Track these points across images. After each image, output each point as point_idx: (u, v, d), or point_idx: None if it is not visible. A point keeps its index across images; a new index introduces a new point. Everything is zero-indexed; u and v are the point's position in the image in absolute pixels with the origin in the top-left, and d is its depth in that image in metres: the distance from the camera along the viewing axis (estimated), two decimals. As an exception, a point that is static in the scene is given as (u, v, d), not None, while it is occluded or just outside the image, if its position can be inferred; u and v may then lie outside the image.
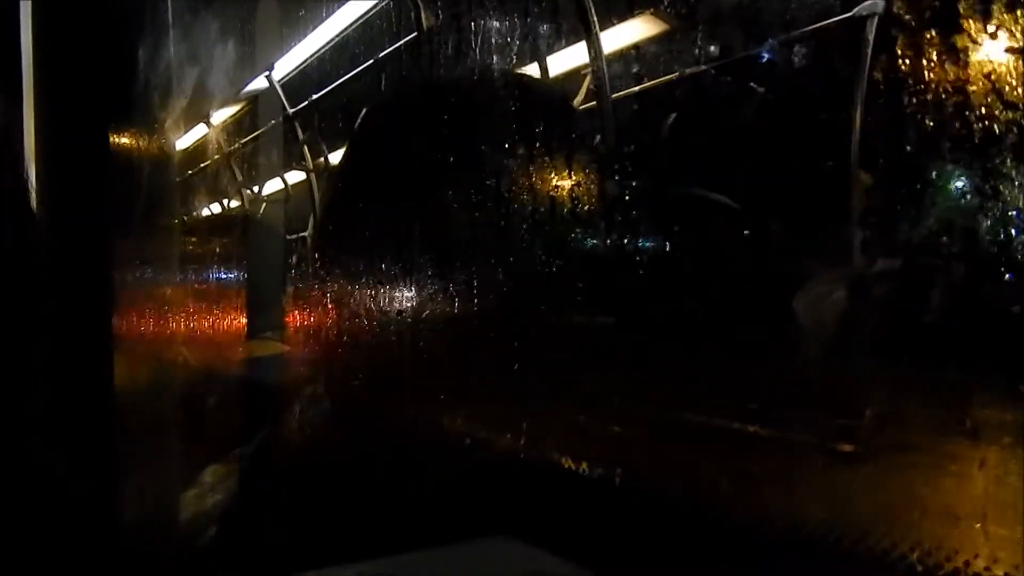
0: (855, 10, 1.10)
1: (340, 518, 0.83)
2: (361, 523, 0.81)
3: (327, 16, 1.87)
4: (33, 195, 0.80)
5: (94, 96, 0.81)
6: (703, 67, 1.11)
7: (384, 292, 0.94)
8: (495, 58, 1.05)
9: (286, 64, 2.16)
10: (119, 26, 0.88)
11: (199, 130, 2.18)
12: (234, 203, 2.61)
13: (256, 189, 2.62)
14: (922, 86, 0.69)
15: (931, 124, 0.70)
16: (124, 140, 0.94)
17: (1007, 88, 0.63)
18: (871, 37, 1.08)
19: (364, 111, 1.15)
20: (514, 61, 1.08)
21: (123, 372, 0.80)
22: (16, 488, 0.40)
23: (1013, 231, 0.64)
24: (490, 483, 0.82)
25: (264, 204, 2.60)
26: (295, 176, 2.47)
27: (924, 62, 0.69)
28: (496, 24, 1.05)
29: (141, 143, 1.01)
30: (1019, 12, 0.62)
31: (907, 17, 0.73)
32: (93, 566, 0.45)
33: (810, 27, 1.10)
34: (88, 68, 0.78)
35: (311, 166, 2.34)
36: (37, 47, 0.76)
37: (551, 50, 1.30)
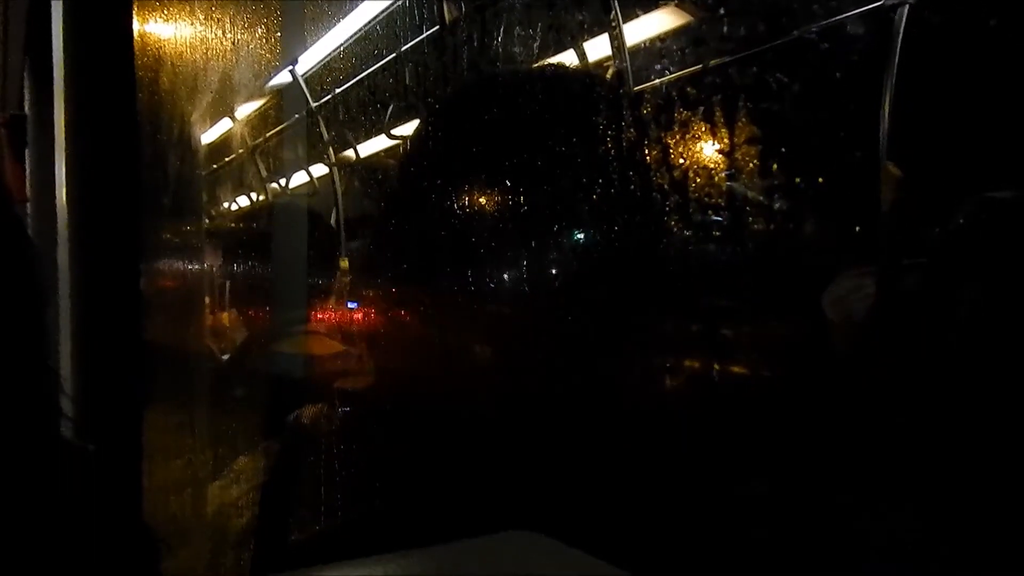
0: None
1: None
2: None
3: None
4: (62, 189, 0.81)
5: (123, 90, 0.81)
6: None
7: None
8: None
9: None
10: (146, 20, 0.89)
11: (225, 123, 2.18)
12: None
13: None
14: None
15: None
16: (152, 132, 0.94)
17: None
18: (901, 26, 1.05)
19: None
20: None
21: (154, 361, 0.80)
22: (50, 472, 0.41)
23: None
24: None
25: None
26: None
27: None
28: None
29: (169, 135, 1.01)
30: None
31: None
32: (120, 550, 0.46)
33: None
34: (117, 61, 0.79)
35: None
36: (67, 42, 0.77)
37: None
